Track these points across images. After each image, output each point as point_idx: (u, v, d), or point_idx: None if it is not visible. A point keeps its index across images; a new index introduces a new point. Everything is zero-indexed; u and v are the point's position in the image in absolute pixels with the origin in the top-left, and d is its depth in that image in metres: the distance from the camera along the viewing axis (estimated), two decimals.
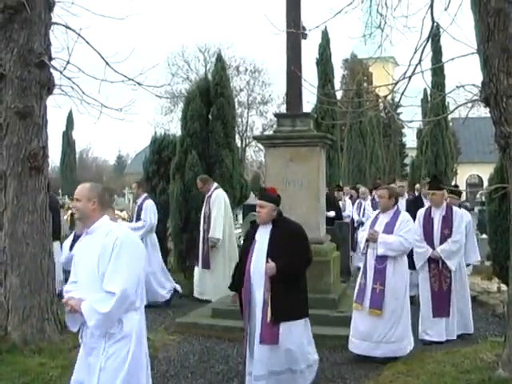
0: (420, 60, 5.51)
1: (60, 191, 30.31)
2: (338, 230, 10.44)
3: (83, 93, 6.74)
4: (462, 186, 33.77)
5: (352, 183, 21.01)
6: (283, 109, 20.42)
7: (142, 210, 9.09)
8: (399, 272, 6.06)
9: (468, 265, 8.21)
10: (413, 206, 9.06)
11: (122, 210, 18.71)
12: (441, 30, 5.96)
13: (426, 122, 22.86)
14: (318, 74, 21.50)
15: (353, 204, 12.93)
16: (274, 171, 7.96)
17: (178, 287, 9.34)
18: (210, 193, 9.06)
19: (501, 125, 4.94)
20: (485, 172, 27.00)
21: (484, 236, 11.16)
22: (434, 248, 6.84)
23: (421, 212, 7.21)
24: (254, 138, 15.39)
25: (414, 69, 5.56)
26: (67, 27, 6.69)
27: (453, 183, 24.54)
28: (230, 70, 34.72)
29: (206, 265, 8.90)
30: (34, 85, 6.32)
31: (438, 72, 22.71)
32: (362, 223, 11.28)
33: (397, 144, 39.19)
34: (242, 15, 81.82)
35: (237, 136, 27.84)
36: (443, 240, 6.83)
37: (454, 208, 7.12)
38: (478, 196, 26.71)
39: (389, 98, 7.74)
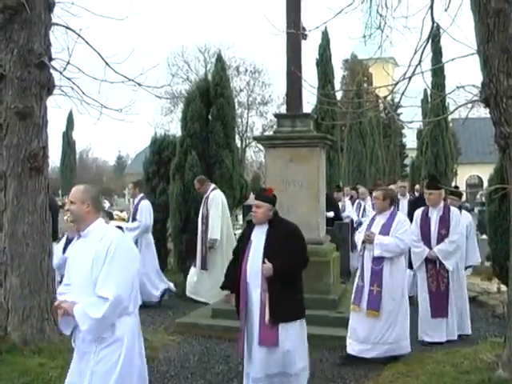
0: (420, 61, 5.51)
1: (60, 192, 30.34)
2: (337, 231, 10.44)
3: (83, 93, 6.74)
4: (462, 187, 33.76)
5: (352, 184, 20.99)
6: (283, 109, 20.41)
7: (138, 210, 9.08)
8: (396, 273, 6.06)
9: (469, 267, 8.21)
10: (415, 207, 9.04)
11: (122, 211, 18.71)
12: (441, 30, 5.97)
13: (426, 122, 22.85)
14: (318, 75, 21.48)
15: (352, 204, 12.92)
16: (274, 172, 7.96)
17: (172, 286, 9.30)
18: (207, 194, 9.06)
19: (501, 125, 4.94)
20: (485, 172, 26.96)
21: (484, 236, 11.16)
22: (431, 248, 6.82)
23: (418, 212, 7.20)
24: (254, 138, 15.41)
25: (414, 69, 5.56)
26: (67, 28, 6.70)
27: (453, 184, 24.55)
28: (230, 70, 34.74)
29: (204, 266, 8.90)
30: (34, 85, 6.32)
31: (438, 73, 22.67)
32: (360, 223, 11.27)
33: (397, 144, 39.20)
34: (242, 16, 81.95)
35: (237, 136, 27.86)
36: (440, 240, 6.81)
37: (452, 208, 7.09)
38: (477, 197, 26.76)
39: (389, 98, 7.74)
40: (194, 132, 10.74)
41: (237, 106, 29.92)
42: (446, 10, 5.46)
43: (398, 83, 5.90)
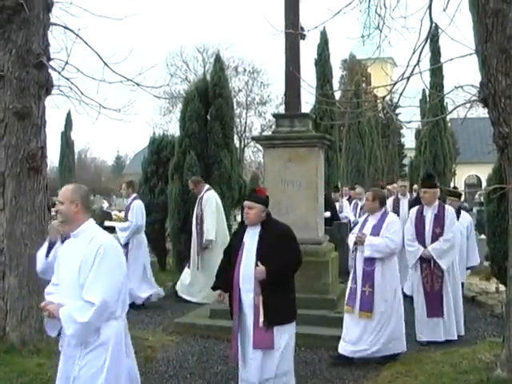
0: (418, 61, 5.51)
1: (58, 191, 30.27)
2: (336, 231, 10.45)
3: (82, 93, 6.74)
4: (461, 187, 33.82)
5: (351, 184, 21.00)
6: (282, 109, 20.42)
7: (130, 210, 9.02)
8: (388, 274, 6.03)
9: (470, 267, 8.21)
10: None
11: (120, 211, 18.72)
12: (439, 30, 5.99)
13: (425, 122, 22.84)
14: (316, 75, 21.48)
15: (350, 205, 12.92)
16: (272, 172, 7.96)
17: (161, 291, 9.21)
18: (201, 194, 9.06)
19: (499, 125, 4.94)
20: (483, 172, 27.01)
21: (482, 236, 11.17)
22: (425, 247, 6.80)
23: (413, 211, 7.20)
24: (253, 138, 15.45)
25: (413, 69, 5.56)
26: (66, 28, 6.69)
27: (451, 184, 24.58)
28: (229, 70, 34.77)
29: (198, 266, 8.88)
30: (33, 85, 6.31)
31: (436, 72, 22.69)
32: (357, 224, 11.26)
33: (395, 144, 39.19)
34: (240, 16, 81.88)
35: (235, 136, 27.81)
36: (435, 239, 6.78)
37: (446, 206, 7.06)
38: (476, 196, 26.77)
39: (387, 98, 7.75)
40: (193, 132, 10.74)
41: (235, 106, 29.86)
42: (444, 10, 5.47)
43: (396, 83, 5.90)
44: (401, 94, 5.94)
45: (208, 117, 11.03)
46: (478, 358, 5.63)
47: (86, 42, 6.69)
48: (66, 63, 6.65)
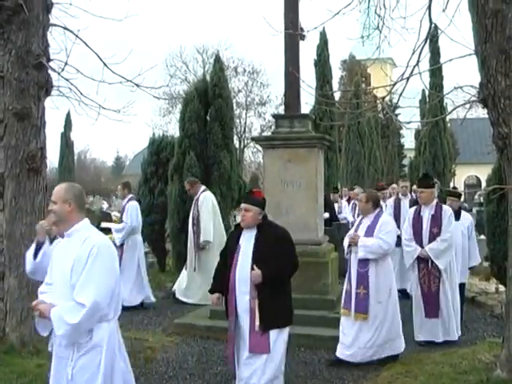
0: (418, 61, 5.52)
1: None
2: (336, 232, 10.45)
3: (81, 94, 6.74)
4: (460, 187, 33.80)
5: (350, 184, 21.01)
6: (281, 110, 20.41)
7: (124, 211, 9.01)
8: (382, 275, 6.02)
9: (470, 268, 8.19)
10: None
11: (120, 212, 18.68)
12: (439, 31, 5.99)
13: (424, 123, 22.84)
14: (316, 75, 21.47)
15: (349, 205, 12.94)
16: (272, 172, 7.96)
17: (152, 298, 9.10)
18: (197, 195, 9.05)
19: (498, 126, 4.95)
20: (483, 173, 27.03)
21: (482, 237, 11.17)
22: (423, 247, 6.78)
23: (411, 211, 7.21)
24: (253, 139, 15.45)
25: (412, 70, 5.57)
26: (65, 28, 6.70)
27: (451, 184, 24.57)
28: (228, 71, 34.75)
29: (195, 267, 8.88)
30: (32, 86, 6.32)
31: (436, 73, 22.66)
32: None
33: (395, 145, 39.16)
34: (240, 16, 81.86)
35: (235, 137, 27.80)
36: (432, 239, 6.76)
37: (444, 206, 7.04)
38: (476, 197, 26.73)
39: (387, 99, 7.76)
40: (193, 133, 10.75)
41: (235, 107, 29.83)
42: (443, 11, 5.48)
43: (396, 84, 5.91)
44: (400, 94, 5.94)
45: (208, 117, 11.04)
46: (477, 359, 5.64)
47: (85, 43, 6.70)
48: (66, 64, 6.66)
